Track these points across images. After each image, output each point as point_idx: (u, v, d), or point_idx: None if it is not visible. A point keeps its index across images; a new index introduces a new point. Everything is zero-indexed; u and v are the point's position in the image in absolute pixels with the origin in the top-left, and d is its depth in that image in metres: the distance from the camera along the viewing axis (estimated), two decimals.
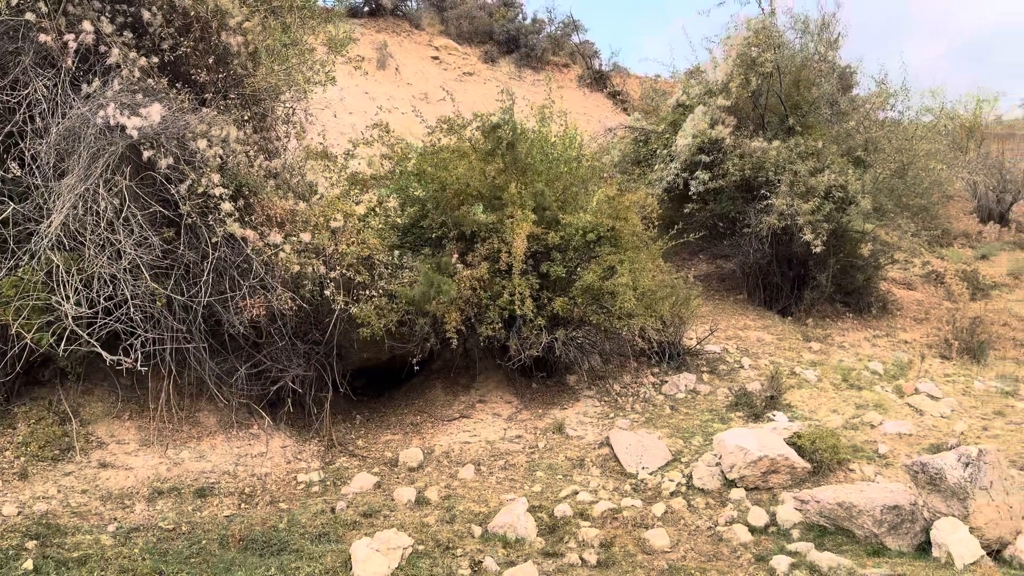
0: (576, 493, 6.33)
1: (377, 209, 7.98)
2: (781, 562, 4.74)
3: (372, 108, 15.17)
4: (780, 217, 10.17)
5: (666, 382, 8.78)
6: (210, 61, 6.87)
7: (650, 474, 6.72)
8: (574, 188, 8.31)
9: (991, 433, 7.84)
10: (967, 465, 4.66)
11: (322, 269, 6.51)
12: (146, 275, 5.86)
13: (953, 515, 4.69)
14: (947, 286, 13.73)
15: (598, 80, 21.35)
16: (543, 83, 19.64)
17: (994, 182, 19.36)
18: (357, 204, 7.81)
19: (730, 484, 6.31)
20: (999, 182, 19.31)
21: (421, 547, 5.27)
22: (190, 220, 6.08)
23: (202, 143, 6.11)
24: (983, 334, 11.06)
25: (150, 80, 6.27)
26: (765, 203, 10.44)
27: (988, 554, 4.67)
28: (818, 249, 9.89)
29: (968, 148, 20.60)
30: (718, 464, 6.45)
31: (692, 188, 10.81)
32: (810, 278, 11.50)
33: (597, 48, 22.67)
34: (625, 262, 7.73)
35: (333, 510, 5.99)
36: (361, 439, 7.70)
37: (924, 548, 4.83)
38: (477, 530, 5.63)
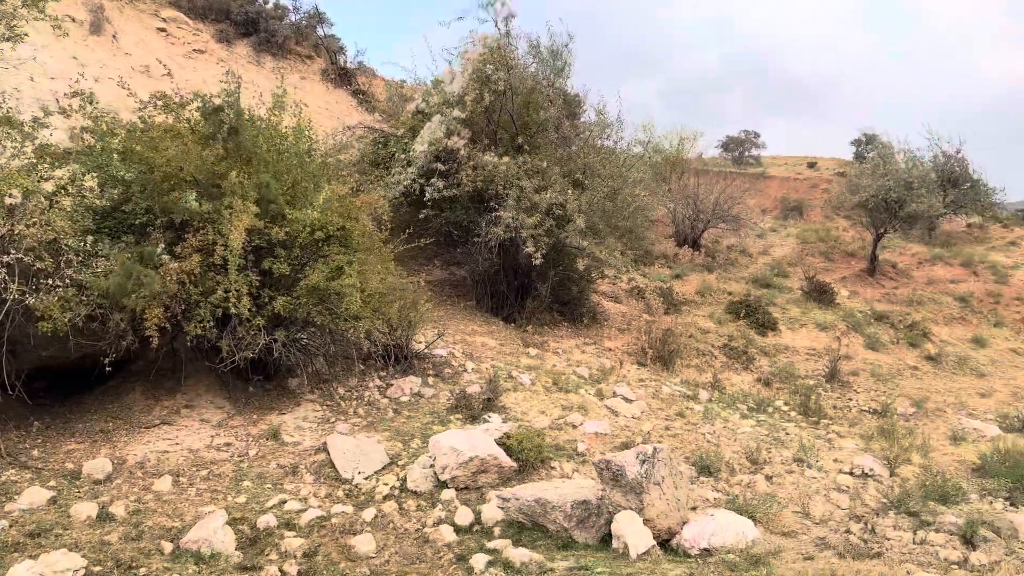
0: (284, 502, 6.07)
1: (70, 187, 7.01)
2: (479, 560, 4.92)
3: (83, 75, 13.42)
4: (507, 229, 10.69)
5: (391, 385, 8.78)
6: None
7: (365, 479, 6.65)
8: (304, 183, 8.00)
9: (672, 432, 8.87)
10: (644, 462, 5.19)
11: None
12: None
13: (631, 508, 5.19)
14: (647, 300, 15.38)
15: (343, 77, 20.91)
16: (285, 72, 18.81)
17: (690, 211, 22.12)
18: (45, 180, 6.81)
19: (442, 485, 6.45)
20: (694, 211, 22.09)
21: (97, 568, 4.70)
22: None
23: None
24: (673, 344, 12.52)
25: None
26: (494, 215, 10.91)
27: (659, 543, 5.23)
28: (538, 261, 10.55)
29: (671, 179, 23.36)
30: (432, 466, 6.57)
31: (428, 195, 10.98)
32: (532, 288, 12.23)
33: (343, 44, 22.23)
34: (354, 263, 7.60)
35: None
36: (37, 448, 6.71)
37: (607, 540, 5.28)
38: (167, 546, 5.16)
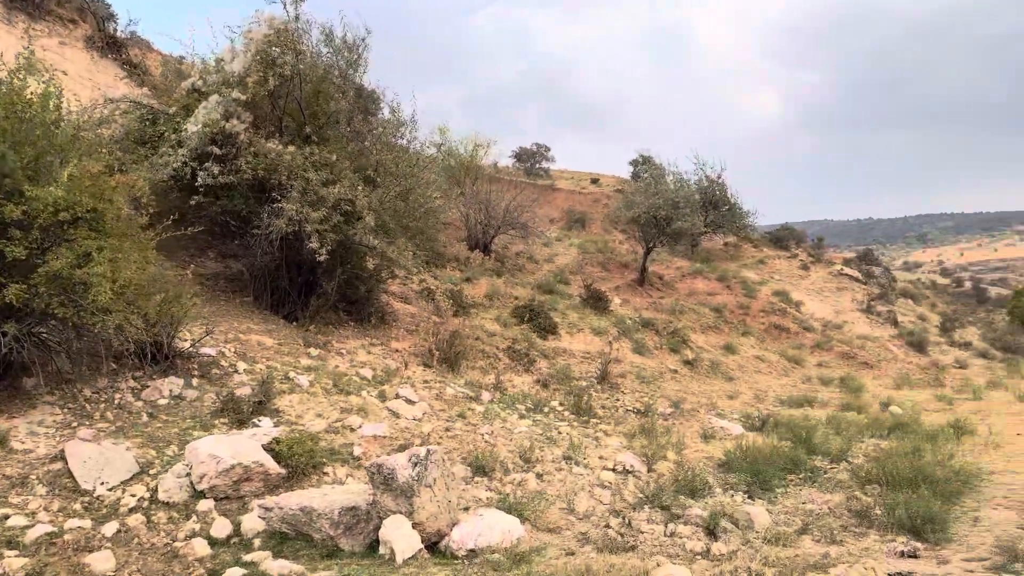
0: (7, 518, 5.30)
1: None
2: (233, 575, 4.57)
3: None
4: (290, 222, 10.16)
5: (148, 387, 7.99)
6: None
7: (109, 490, 5.98)
8: (50, 157, 7.07)
9: (452, 433, 8.91)
10: (416, 465, 5.12)
11: None
12: None
13: (402, 512, 5.10)
14: (437, 302, 15.44)
15: (111, 46, 18.82)
16: (43, 36, 16.66)
17: (482, 216, 22.60)
18: None
19: (199, 495, 5.96)
20: (486, 217, 22.60)
21: None
22: None
23: None
24: (460, 346, 12.64)
25: None
26: (277, 206, 10.34)
27: (428, 547, 5.18)
28: (322, 258, 10.15)
29: (465, 184, 23.72)
30: (188, 475, 6.04)
31: (200, 179, 10.14)
32: (317, 286, 11.76)
33: (114, 11, 20.08)
34: (106, 250, 6.82)
35: None
36: None
37: (375, 546, 5.15)
38: None
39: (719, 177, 28.30)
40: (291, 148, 10.42)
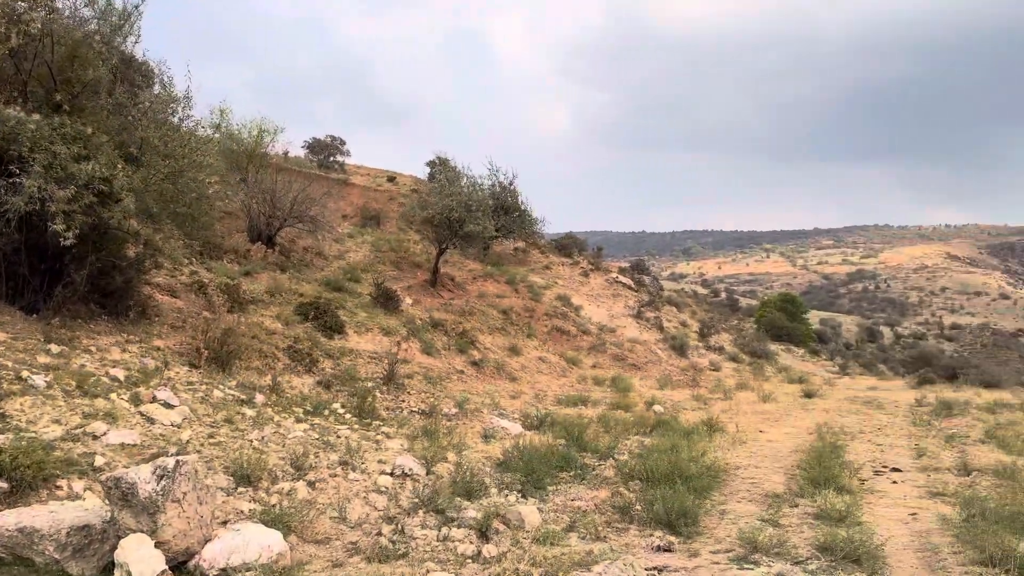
0: None
1: None
2: None
3: None
4: (31, 201, 8.88)
5: None
6: None
7: None
8: None
9: (215, 440, 8.24)
10: (161, 478, 4.60)
11: None
12: None
13: (143, 531, 4.56)
14: (209, 297, 14.32)
15: None
16: None
17: (267, 207, 21.40)
18: None
19: None
20: (271, 208, 21.43)
21: None
22: None
23: None
24: (233, 344, 11.77)
25: None
26: (15, 181, 8.99)
27: (174, 567, 4.67)
28: (69, 242, 8.97)
29: (248, 171, 22.31)
30: None
31: None
32: (65, 274, 10.40)
33: None
34: None
35: None
36: None
37: (110, 569, 4.56)
38: None
39: (511, 184, 29.15)
40: (36, 116, 9.10)
